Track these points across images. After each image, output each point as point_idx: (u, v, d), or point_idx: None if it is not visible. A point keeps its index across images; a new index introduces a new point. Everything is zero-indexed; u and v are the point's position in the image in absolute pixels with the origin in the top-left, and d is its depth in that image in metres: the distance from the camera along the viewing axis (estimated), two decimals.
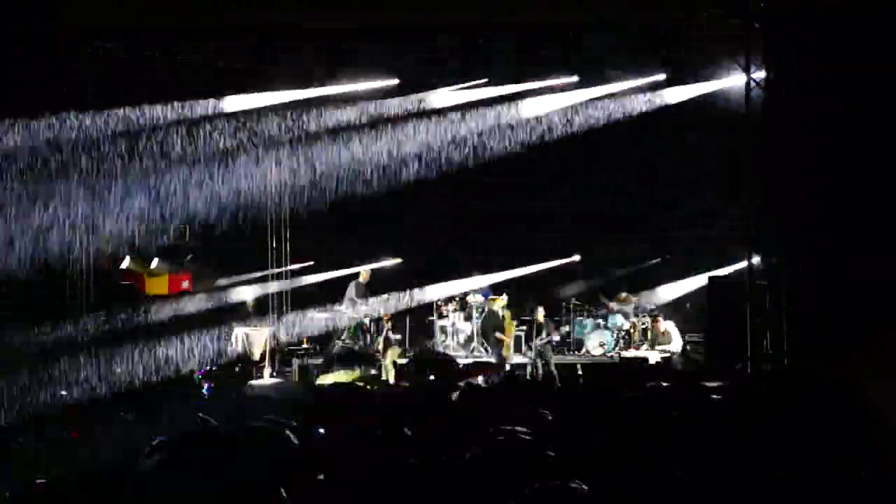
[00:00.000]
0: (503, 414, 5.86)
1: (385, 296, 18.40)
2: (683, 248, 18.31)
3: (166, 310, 17.11)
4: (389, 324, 17.67)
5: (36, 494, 3.66)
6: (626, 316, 18.10)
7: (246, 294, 18.63)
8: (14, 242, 14.88)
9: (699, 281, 17.19)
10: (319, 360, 16.78)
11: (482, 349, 17.82)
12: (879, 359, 10.48)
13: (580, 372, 16.42)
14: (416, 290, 18.92)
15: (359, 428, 4.89)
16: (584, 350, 17.99)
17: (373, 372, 15.91)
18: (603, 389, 8.00)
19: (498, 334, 17.03)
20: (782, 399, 6.91)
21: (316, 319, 18.33)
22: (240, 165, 17.55)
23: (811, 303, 13.38)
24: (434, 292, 18.73)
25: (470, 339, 18.04)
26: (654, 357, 16.74)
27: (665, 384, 7.47)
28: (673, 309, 18.49)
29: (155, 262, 17.90)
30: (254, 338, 16.91)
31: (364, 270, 18.61)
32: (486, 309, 17.55)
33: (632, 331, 17.86)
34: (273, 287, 19.22)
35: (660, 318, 17.70)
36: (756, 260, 14.68)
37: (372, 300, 18.18)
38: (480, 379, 14.02)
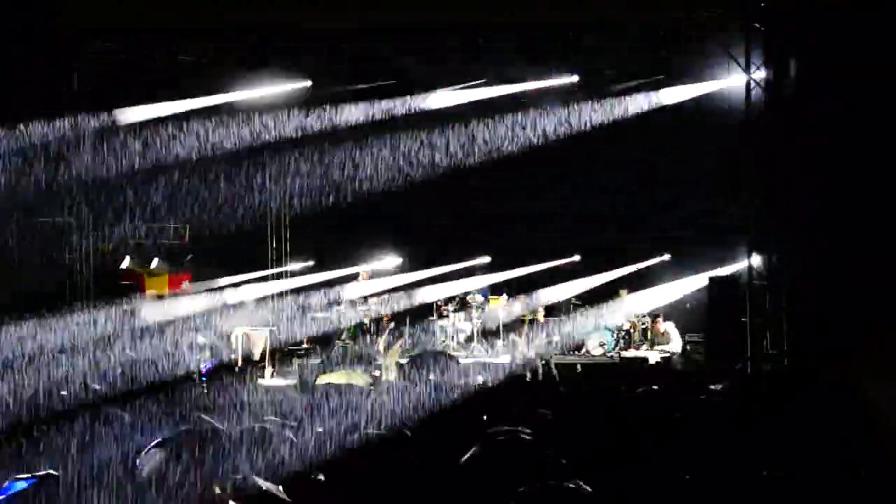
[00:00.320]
0: (503, 414, 5.86)
1: (385, 296, 18.40)
2: (683, 248, 18.29)
3: (166, 310, 17.10)
4: (392, 324, 17.67)
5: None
6: (626, 316, 18.07)
7: (246, 294, 18.62)
8: (14, 242, 14.89)
9: (699, 281, 17.18)
10: (319, 360, 16.78)
11: (482, 349, 17.83)
12: (879, 359, 10.49)
13: (579, 371, 16.41)
14: (416, 290, 18.92)
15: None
16: (584, 350, 17.98)
17: (375, 373, 15.92)
18: (603, 389, 8.00)
19: (513, 336, 17.10)
20: (782, 399, 6.91)
21: (316, 319, 18.33)
22: (240, 165, 17.56)
23: (811, 303, 13.39)
24: (434, 292, 18.73)
25: (470, 338, 18.04)
26: (654, 357, 16.73)
27: (665, 384, 7.48)
28: (672, 309, 18.48)
29: (155, 262, 17.90)
30: (254, 338, 16.90)
31: (364, 271, 18.61)
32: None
33: (632, 331, 17.85)
34: (273, 287, 19.23)
35: (659, 319, 17.69)
36: (756, 260, 14.68)
37: (372, 300, 18.18)
38: (480, 379, 14.04)
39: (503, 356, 17.46)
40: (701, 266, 17.29)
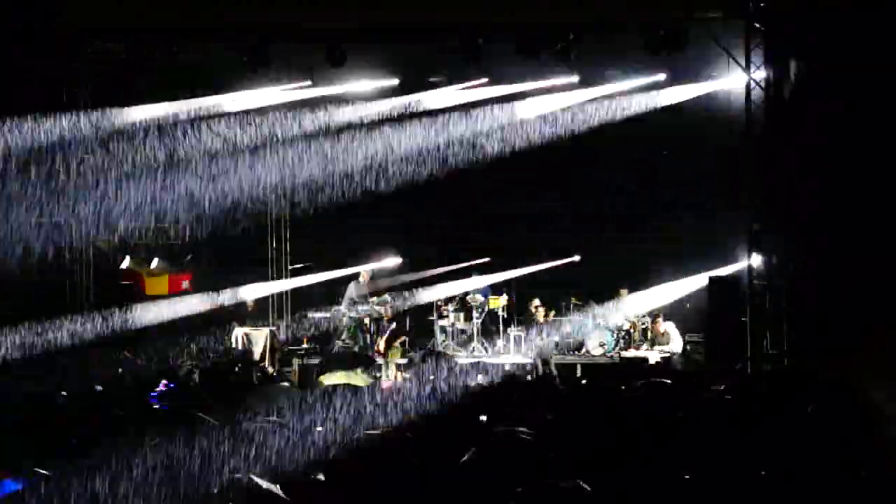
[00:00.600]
0: (503, 414, 5.86)
1: (385, 296, 18.40)
2: (683, 248, 18.29)
3: (166, 310, 17.12)
4: (394, 324, 17.66)
5: None
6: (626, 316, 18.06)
7: (246, 294, 18.62)
8: (15, 242, 14.89)
9: (699, 281, 17.17)
10: (319, 360, 16.78)
11: (482, 349, 17.82)
12: (879, 359, 10.49)
13: (580, 372, 16.42)
14: (416, 290, 18.92)
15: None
16: (584, 350, 17.97)
17: (375, 373, 15.92)
18: (603, 389, 8.00)
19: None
20: (782, 399, 6.90)
21: (316, 319, 18.34)
22: (240, 165, 17.56)
23: (811, 303, 13.39)
24: (434, 292, 18.72)
25: (470, 338, 18.04)
26: (654, 357, 16.72)
27: (665, 383, 7.48)
28: (672, 309, 18.47)
29: (155, 262, 17.89)
30: (254, 338, 16.91)
31: (364, 271, 18.61)
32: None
33: (632, 331, 17.84)
34: (273, 287, 19.23)
35: (659, 319, 17.69)
36: (756, 260, 14.67)
37: (372, 300, 18.18)
38: (480, 378, 14.03)
39: (503, 356, 17.46)
40: (701, 266, 17.29)
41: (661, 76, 17.18)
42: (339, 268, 19.15)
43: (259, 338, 16.95)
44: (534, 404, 6.21)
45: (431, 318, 18.39)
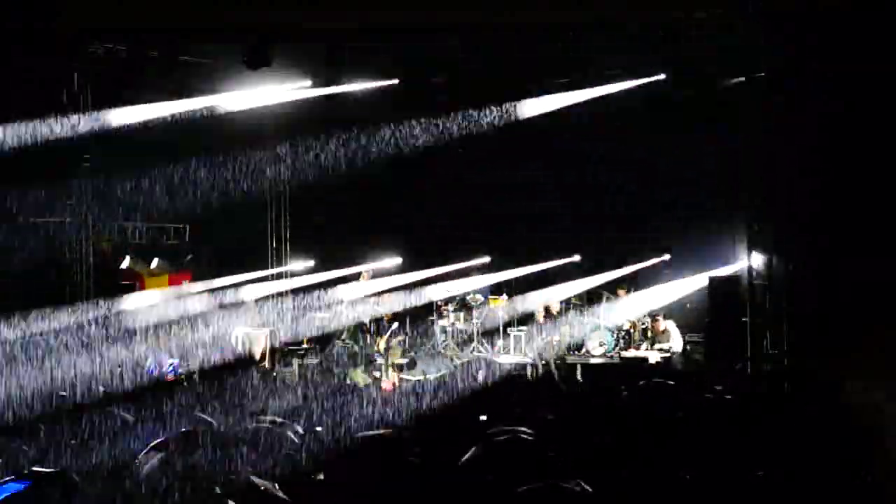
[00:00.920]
0: (503, 414, 5.86)
1: (385, 296, 18.40)
2: (683, 248, 18.28)
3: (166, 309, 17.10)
4: (396, 324, 17.66)
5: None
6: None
7: (246, 294, 18.62)
8: (15, 241, 14.89)
9: (699, 281, 17.17)
10: (319, 360, 16.79)
11: (482, 349, 17.82)
12: (879, 359, 10.48)
13: (579, 372, 16.42)
14: (416, 290, 18.91)
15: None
16: (584, 350, 17.98)
17: (375, 373, 15.93)
18: (603, 389, 8.00)
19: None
20: (782, 399, 6.90)
21: (316, 319, 18.34)
22: (240, 165, 17.56)
23: (811, 303, 13.38)
24: (434, 292, 18.72)
25: (470, 338, 18.04)
26: (654, 357, 16.72)
27: (665, 383, 7.47)
28: (672, 309, 18.48)
29: (155, 262, 17.89)
30: (254, 338, 16.91)
31: (365, 271, 18.60)
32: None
33: (632, 331, 17.84)
34: (273, 287, 19.22)
35: (659, 318, 17.69)
36: (756, 260, 14.66)
37: (372, 300, 18.18)
38: (480, 378, 14.03)
39: (503, 356, 17.46)
40: (701, 266, 17.29)
41: (661, 76, 17.18)
42: (339, 268, 19.15)
43: (259, 338, 16.95)
44: (534, 404, 6.21)
45: (431, 318, 18.39)
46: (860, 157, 12.78)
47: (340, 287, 18.65)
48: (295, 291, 19.20)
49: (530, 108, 17.66)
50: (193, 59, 16.26)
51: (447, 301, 18.37)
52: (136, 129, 16.13)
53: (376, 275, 18.88)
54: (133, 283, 17.61)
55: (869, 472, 4.53)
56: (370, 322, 17.89)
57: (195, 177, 16.83)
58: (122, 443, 5.92)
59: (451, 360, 16.53)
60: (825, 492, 4.28)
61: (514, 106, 17.64)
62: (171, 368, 15.17)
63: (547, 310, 18.03)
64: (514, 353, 17.73)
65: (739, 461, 4.60)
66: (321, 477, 3.91)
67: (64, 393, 10.91)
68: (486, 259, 19.45)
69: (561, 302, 18.11)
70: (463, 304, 18.26)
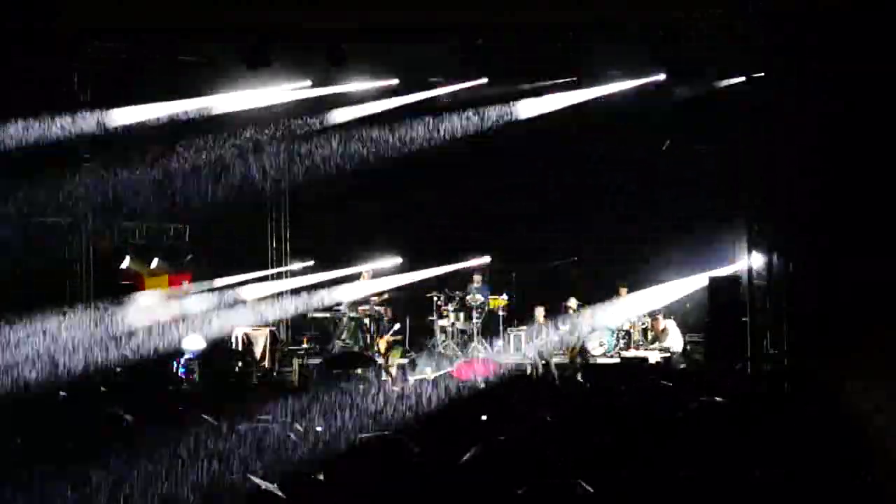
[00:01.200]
0: (503, 414, 5.86)
1: (385, 295, 18.40)
2: (683, 248, 18.29)
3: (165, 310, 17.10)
4: (398, 325, 17.67)
5: None
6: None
7: (246, 294, 18.62)
8: (15, 242, 14.88)
9: (699, 281, 17.17)
10: (319, 360, 16.77)
11: (482, 349, 17.82)
12: (879, 359, 10.47)
13: (580, 372, 16.40)
14: (415, 290, 18.92)
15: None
16: (584, 350, 17.97)
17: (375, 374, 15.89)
18: (603, 389, 8.00)
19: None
20: (782, 399, 6.91)
21: (316, 319, 18.34)
22: (240, 165, 17.56)
23: (811, 303, 13.37)
24: (433, 292, 18.72)
25: (470, 338, 18.04)
26: (654, 357, 16.73)
27: (665, 383, 7.47)
28: (672, 309, 18.49)
29: (155, 262, 17.89)
30: (254, 338, 16.91)
31: (366, 271, 18.60)
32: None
33: (632, 331, 17.85)
34: (273, 287, 19.22)
35: (659, 317, 17.71)
36: (756, 260, 14.66)
37: (372, 300, 18.18)
38: (480, 378, 14.02)
39: (504, 356, 17.46)
40: (701, 266, 17.29)
41: (661, 76, 17.18)
42: (339, 268, 19.15)
43: (259, 338, 16.95)
44: (534, 404, 6.21)
45: (431, 318, 18.39)
46: (860, 157, 12.77)
47: (340, 287, 18.64)
48: (295, 291, 19.20)
49: (530, 108, 17.67)
50: (193, 59, 16.26)
51: (447, 301, 18.38)
52: (136, 128, 16.13)
53: (376, 275, 18.87)
54: (133, 283, 17.61)
55: (869, 472, 4.53)
56: (370, 322, 17.89)
57: (195, 177, 16.83)
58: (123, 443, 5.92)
59: (451, 360, 16.53)
60: (825, 492, 4.28)
61: (514, 106, 17.65)
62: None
63: (566, 308, 18.05)
64: (514, 352, 17.76)
65: (739, 461, 4.60)
66: (321, 477, 3.91)
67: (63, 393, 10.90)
68: (486, 259, 19.45)
69: (578, 302, 18.13)
70: (463, 304, 18.27)
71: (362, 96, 17.55)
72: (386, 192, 18.40)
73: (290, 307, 18.79)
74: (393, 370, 15.96)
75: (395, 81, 17.45)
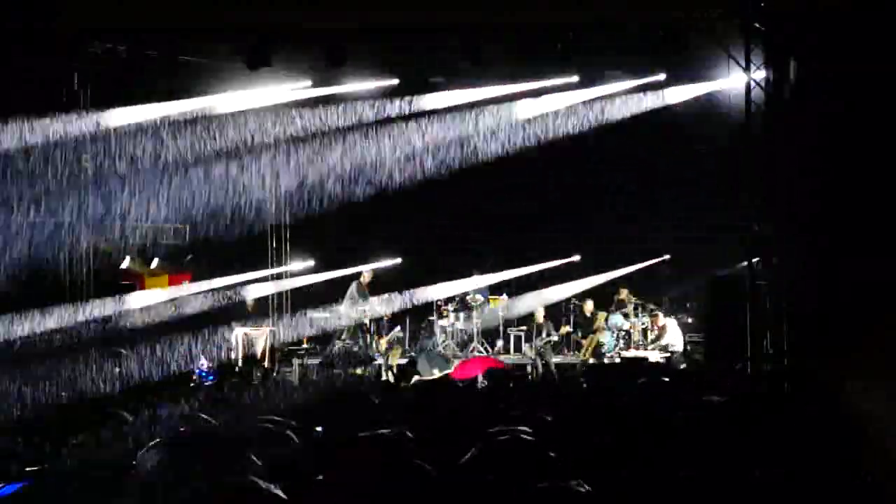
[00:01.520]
0: (503, 414, 5.86)
1: (385, 296, 18.40)
2: (683, 248, 18.29)
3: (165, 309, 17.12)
4: (399, 327, 17.68)
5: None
6: (626, 316, 18.08)
7: (246, 294, 18.62)
8: (15, 242, 14.88)
9: (699, 281, 17.18)
10: (319, 360, 16.80)
11: (482, 349, 17.83)
12: (879, 359, 10.46)
13: (580, 371, 16.41)
14: (416, 290, 18.92)
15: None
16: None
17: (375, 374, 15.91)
18: (603, 389, 8.00)
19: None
20: (782, 399, 6.91)
21: (316, 319, 18.34)
22: (240, 165, 17.57)
23: (811, 303, 13.35)
24: (434, 292, 18.73)
25: (470, 338, 18.05)
26: (654, 357, 16.74)
27: (665, 383, 7.47)
28: (673, 309, 18.49)
29: (155, 262, 17.90)
30: (254, 338, 16.92)
31: (366, 271, 18.61)
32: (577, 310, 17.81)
33: (632, 331, 17.85)
34: (273, 287, 19.22)
35: (659, 314, 17.72)
36: (756, 260, 14.66)
37: (373, 300, 18.18)
38: (480, 378, 14.02)
39: (504, 356, 17.48)
40: (701, 266, 17.30)
41: (661, 76, 17.18)
42: (340, 268, 19.15)
43: (259, 338, 16.96)
44: (534, 404, 6.21)
45: (431, 318, 18.40)
46: (860, 157, 12.76)
47: (340, 287, 18.65)
48: (295, 291, 19.21)
49: (529, 108, 17.67)
50: (193, 59, 16.27)
51: (447, 301, 18.39)
52: (136, 128, 16.13)
53: (376, 275, 18.88)
54: (133, 283, 17.62)
55: (869, 472, 4.53)
56: (370, 322, 17.90)
57: (195, 177, 16.83)
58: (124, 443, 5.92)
59: (451, 360, 16.55)
60: (825, 492, 4.28)
61: (514, 106, 17.66)
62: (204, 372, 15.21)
63: (581, 310, 18.10)
64: (514, 353, 17.78)
65: (739, 461, 4.60)
66: (321, 477, 3.90)
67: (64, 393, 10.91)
68: (486, 259, 19.46)
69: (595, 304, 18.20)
70: (463, 304, 18.27)
71: (362, 96, 17.54)
72: (386, 192, 18.40)
73: (289, 307, 18.82)
74: (393, 370, 15.97)
75: (395, 81, 17.44)
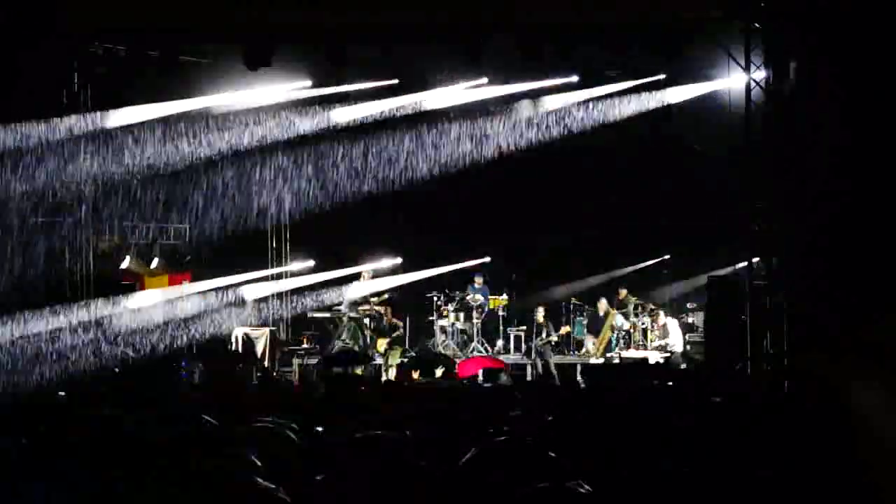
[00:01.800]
0: (503, 414, 5.87)
1: (385, 295, 18.40)
2: (683, 248, 18.29)
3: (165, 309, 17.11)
4: (400, 327, 17.69)
5: None
6: (626, 316, 18.09)
7: (246, 294, 18.62)
8: (14, 242, 14.89)
9: (699, 281, 17.18)
10: (319, 360, 16.79)
11: (482, 349, 17.84)
12: (879, 358, 10.47)
13: (579, 372, 16.43)
14: (416, 290, 18.92)
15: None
16: (583, 350, 18.00)
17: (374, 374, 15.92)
18: (603, 389, 8.01)
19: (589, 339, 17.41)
20: (782, 399, 6.91)
21: (316, 319, 18.34)
22: (240, 165, 17.56)
23: (811, 302, 13.36)
24: (434, 292, 18.74)
25: (470, 339, 18.05)
26: (654, 357, 16.75)
27: (666, 384, 7.48)
28: (673, 309, 18.50)
29: (155, 262, 17.90)
30: (254, 338, 16.92)
31: (366, 271, 18.61)
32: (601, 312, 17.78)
33: (632, 331, 17.86)
34: (273, 287, 19.22)
35: (660, 314, 17.72)
36: (756, 260, 14.67)
37: (372, 300, 18.19)
38: (480, 378, 14.05)
39: (503, 356, 17.49)
40: (701, 266, 17.30)
41: (661, 76, 17.18)
42: (339, 268, 19.15)
43: (259, 338, 16.96)
44: (534, 404, 6.22)
45: (431, 318, 18.40)
46: (860, 157, 12.76)
47: (340, 287, 18.65)
48: (295, 291, 19.21)
49: (529, 108, 17.66)
50: (193, 59, 16.27)
51: (447, 301, 18.39)
52: (136, 128, 16.13)
53: (376, 275, 18.88)
54: (133, 283, 17.62)
55: (869, 472, 4.53)
56: (370, 322, 17.90)
57: (196, 177, 16.83)
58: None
59: (451, 360, 16.55)
60: (825, 492, 4.28)
61: (514, 106, 17.65)
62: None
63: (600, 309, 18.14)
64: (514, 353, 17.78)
65: (739, 461, 4.60)
66: (321, 477, 3.91)
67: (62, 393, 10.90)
68: (486, 259, 19.47)
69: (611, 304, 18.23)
70: (463, 304, 18.28)
71: (362, 96, 17.53)
72: (386, 192, 18.40)
73: (290, 307, 18.81)
74: (392, 370, 15.99)
75: (395, 81, 17.43)
